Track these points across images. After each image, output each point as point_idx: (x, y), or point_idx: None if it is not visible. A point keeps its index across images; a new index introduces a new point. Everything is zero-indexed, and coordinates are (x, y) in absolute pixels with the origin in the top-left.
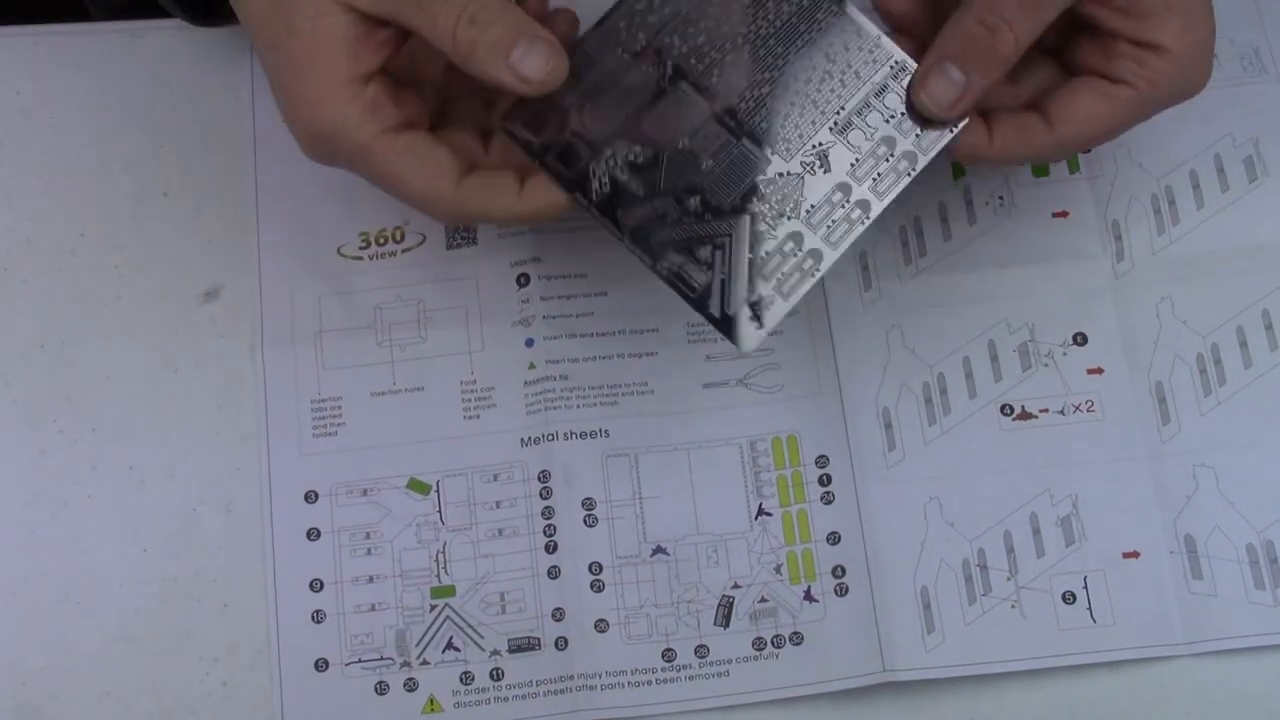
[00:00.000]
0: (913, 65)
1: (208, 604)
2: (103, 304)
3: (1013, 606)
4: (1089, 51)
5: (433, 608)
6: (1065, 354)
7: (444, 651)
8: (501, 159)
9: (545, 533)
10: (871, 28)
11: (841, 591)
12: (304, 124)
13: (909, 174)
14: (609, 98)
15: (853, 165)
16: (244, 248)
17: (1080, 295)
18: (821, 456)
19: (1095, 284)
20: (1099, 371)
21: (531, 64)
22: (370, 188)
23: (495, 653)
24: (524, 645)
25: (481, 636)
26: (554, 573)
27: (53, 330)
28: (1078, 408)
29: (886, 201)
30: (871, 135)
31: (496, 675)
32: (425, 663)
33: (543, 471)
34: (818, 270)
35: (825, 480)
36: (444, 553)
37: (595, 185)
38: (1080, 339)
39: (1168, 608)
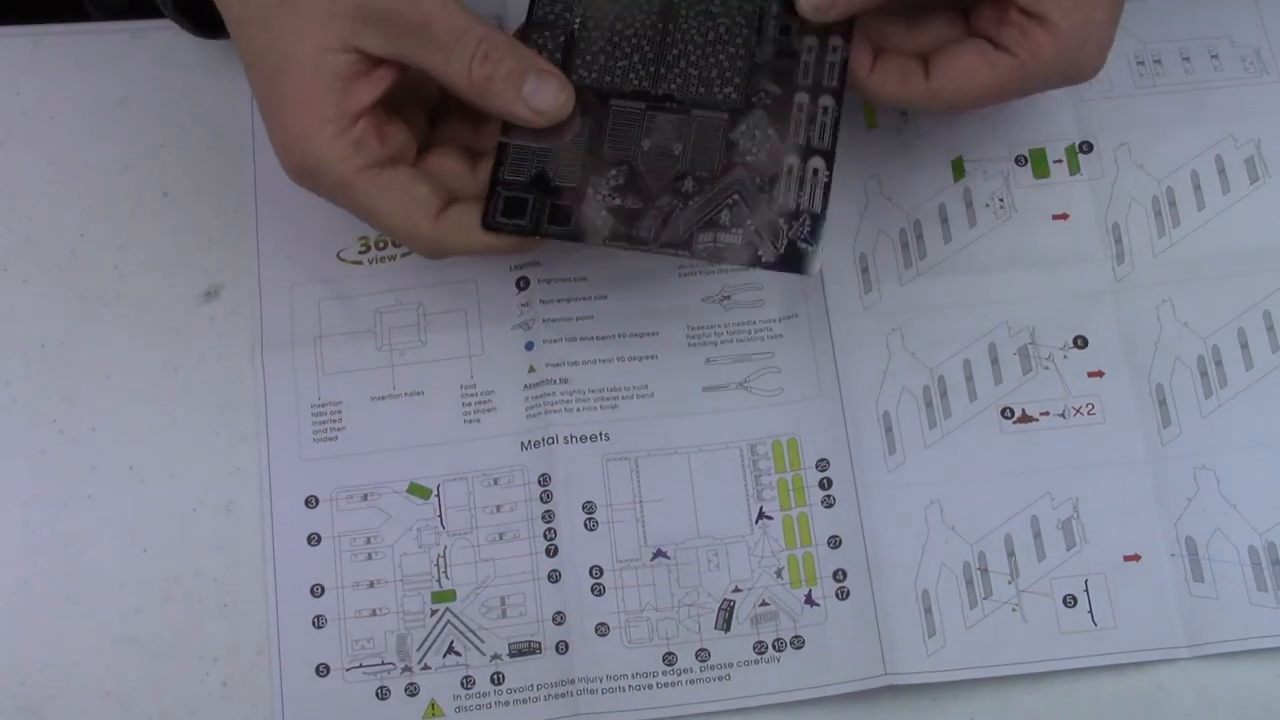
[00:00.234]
0: None
1: (208, 604)
2: (103, 304)
3: (1013, 610)
4: (985, 15)
5: (433, 612)
6: (1066, 357)
7: (445, 656)
8: (486, 184)
9: (546, 536)
10: None
11: (842, 595)
12: (289, 154)
13: (839, 62)
14: (560, 151)
15: (792, 77)
16: (244, 248)
17: (1081, 298)
18: (822, 460)
19: (1096, 286)
20: (1099, 374)
21: (543, 97)
22: None
23: (496, 657)
24: (525, 649)
25: (482, 641)
26: (554, 576)
27: (53, 330)
28: (1078, 410)
29: (841, 85)
30: (789, 50)
31: (497, 679)
32: (426, 667)
33: (543, 475)
34: (827, 175)
35: (826, 484)
36: (444, 557)
37: (598, 224)
38: (1081, 342)
39: (1169, 610)
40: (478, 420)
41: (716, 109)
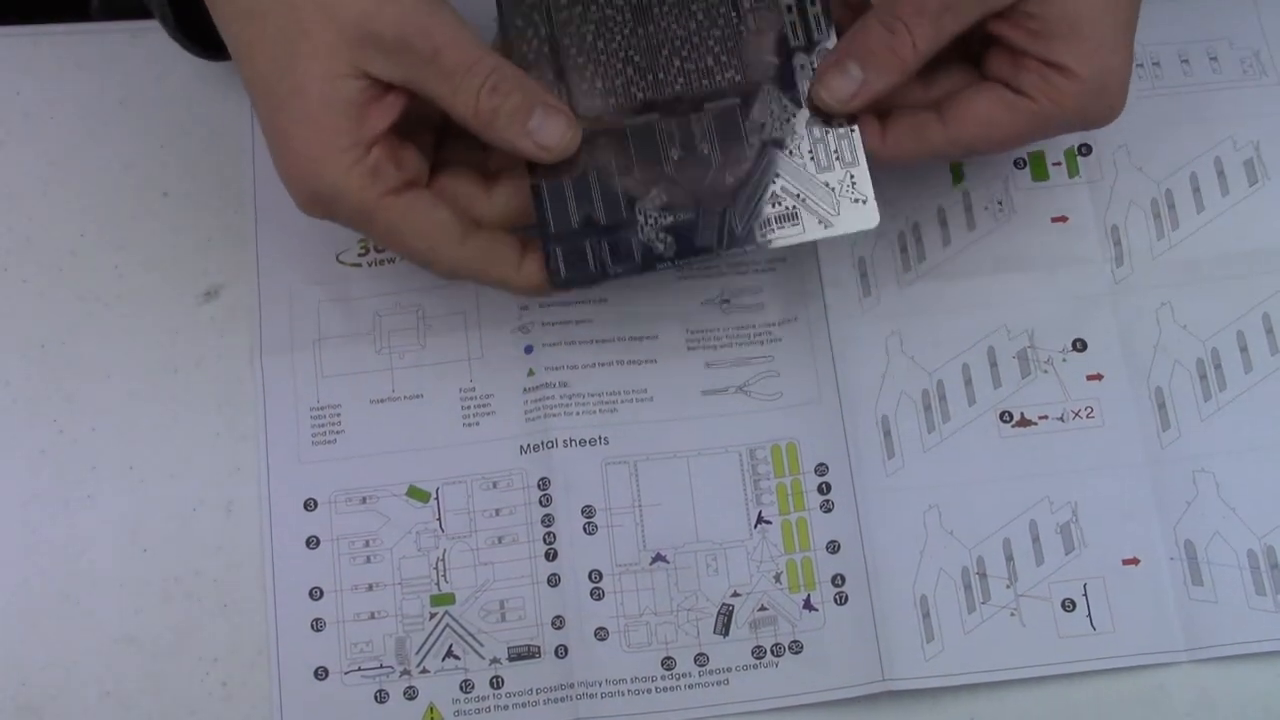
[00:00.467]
0: None
1: (208, 604)
2: (103, 304)
3: (1012, 614)
4: (999, 60)
5: (432, 616)
6: (1065, 360)
7: (444, 660)
8: (504, 207)
9: (545, 540)
10: None
11: (841, 600)
12: (302, 184)
13: (850, 141)
14: (601, 184)
15: (784, 40)
16: (244, 248)
17: (1080, 301)
18: (821, 464)
19: (1095, 289)
20: (1098, 377)
21: (548, 133)
22: None
23: (495, 661)
24: (524, 653)
25: (481, 644)
26: (553, 580)
27: (53, 330)
28: (1077, 414)
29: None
30: (771, 9)
31: (496, 683)
32: (425, 671)
33: (542, 479)
34: (851, 128)
35: (825, 488)
36: (443, 560)
37: (660, 249)
38: (1080, 345)
39: (1168, 614)
40: (477, 423)
41: (727, 96)
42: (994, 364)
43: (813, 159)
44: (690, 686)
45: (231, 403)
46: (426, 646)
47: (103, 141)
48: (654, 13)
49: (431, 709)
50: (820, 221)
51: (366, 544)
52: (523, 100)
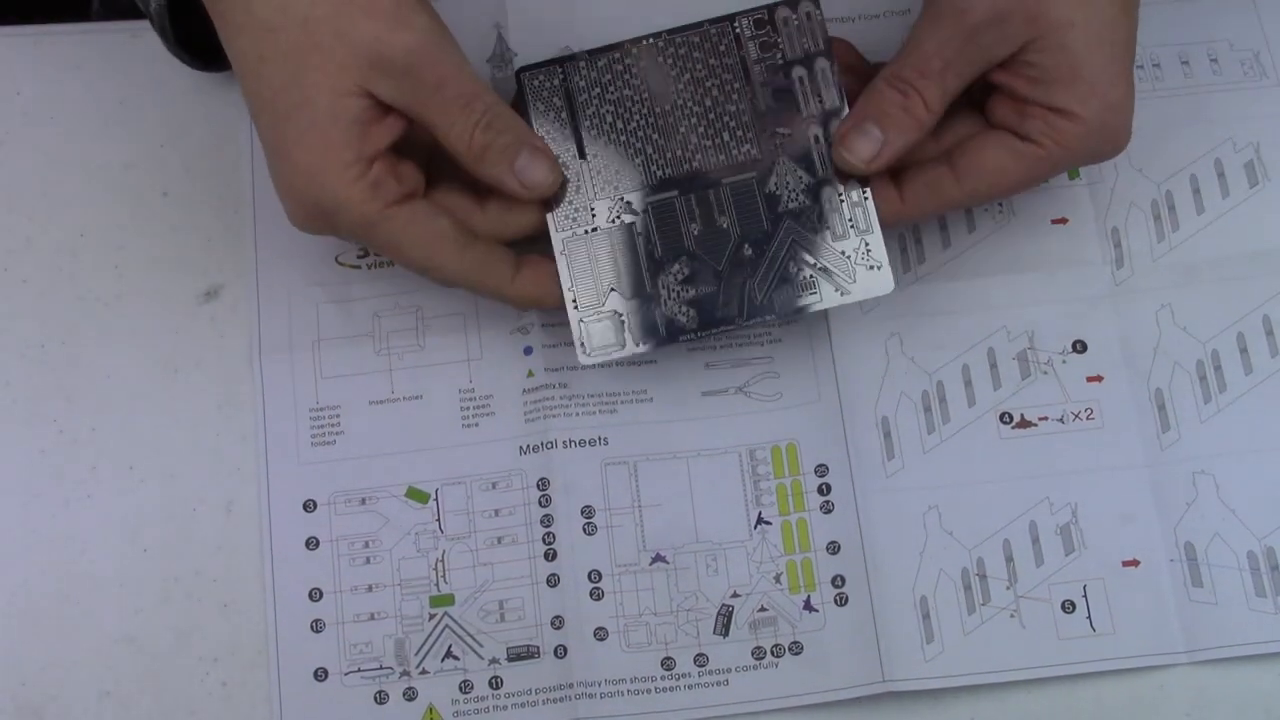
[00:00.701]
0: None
1: (208, 604)
2: (103, 304)
3: (1012, 616)
4: (1003, 107)
5: (431, 616)
6: (1065, 362)
7: (443, 660)
8: (498, 221)
9: (544, 541)
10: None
11: (841, 601)
12: (303, 196)
13: (865, 209)
14: (620, 265)
15: (797, 112)
16: (244, 248)
17: (1080, 302)
18: (821, 465)
19: (1095, 291)
20: (1098, 379)
21: (533, 173)
22: None
23: (494, 661)
24: (523, 654)
25: (480, 645)
26: (553, 581)
27: (53, 330)
28: (1077, 415)
29: (844, 106)
30: (784, 87)
31: (496, 684)
32: (424, 672)
33: (542, 479)
34: (865, 194)
35: (825, 489)
36: (443, 561)
37: (683, 321)
38: (1080, 346)
39: (1168, 616)
40: (476, 424)
41: (744, 171)
42: (994, 365)
43: (828, 228)
44: (690, 687)
45: (231, 403)
46: (426, 647)
47: (103, 141)
48: (670, 91)
49: (431, 710)
50: (837, 289)
51: (366, 545)
52: (513, 139)
